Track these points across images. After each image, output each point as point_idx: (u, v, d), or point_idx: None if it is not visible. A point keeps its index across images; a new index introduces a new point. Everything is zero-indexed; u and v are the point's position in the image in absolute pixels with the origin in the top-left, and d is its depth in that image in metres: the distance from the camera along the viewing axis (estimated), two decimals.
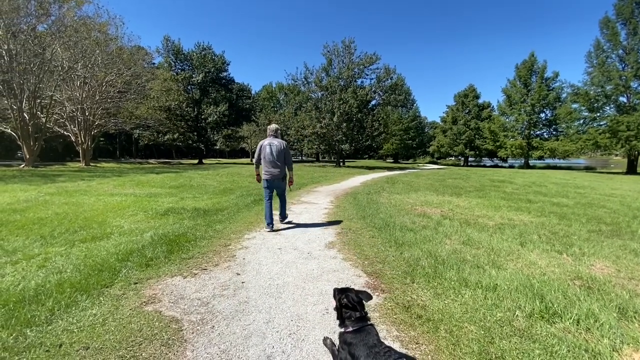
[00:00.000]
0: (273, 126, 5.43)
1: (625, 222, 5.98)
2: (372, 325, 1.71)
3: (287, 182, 5.54)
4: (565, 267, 3.45)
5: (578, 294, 2.71)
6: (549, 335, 2.11)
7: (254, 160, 5.40)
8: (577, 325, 2.24)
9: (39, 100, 20.54)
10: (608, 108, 28.54)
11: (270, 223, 5.08)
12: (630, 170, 28.37)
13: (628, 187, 13.71)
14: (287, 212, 5.87)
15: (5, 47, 17.78)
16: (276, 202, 5.53)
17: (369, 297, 1.82)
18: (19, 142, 19.77)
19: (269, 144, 5.22)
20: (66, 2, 20.05)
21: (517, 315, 2.37)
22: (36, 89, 19.53)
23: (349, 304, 1.74)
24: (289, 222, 5.70)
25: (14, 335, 2.08)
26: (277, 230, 5.12)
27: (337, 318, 1.82)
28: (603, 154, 30.16)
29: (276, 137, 5.37)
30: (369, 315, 1.78)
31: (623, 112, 26.64)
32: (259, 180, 5.40)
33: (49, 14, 19.45)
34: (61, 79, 21.36)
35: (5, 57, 17.90)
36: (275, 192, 5.45)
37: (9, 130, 20.80)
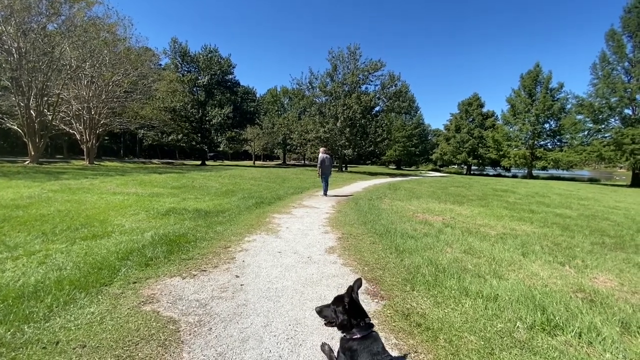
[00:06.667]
0: (323, 149, 10.50)
1: (629, 235, 5.93)
2: (376, 332, 1.67)
3: (330, 173, 10.47)
4: (567, 279, 3.41)
5: (580, 306, 2.68)
6: (550, 348, 2.08)
7: (317, 165, 10.48)
8: (579, 338, 2.21)
9: (46, 98, 20.76)
10: (613, 120, 28.46)
11: (325, 193, 10.30)
12: (635, 183, 28.12)
13: (632, 199, 13.59)
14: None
15: (16, 45, 18.03)
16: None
17: (360, 282, 1.75)
18: (25, 139, 19.94)
19: (326, 157, 10.28)
20: (76, 3, 20.32)
21: (518, 326, 2.35)
22: (44, 87, 19.75)
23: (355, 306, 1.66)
24: (328, 195, 10.28)
25: (11, 330, 2.08)
26: (328, 196, 10.12)
27: (342, 325, 1.71)
28: (607, 166, 29.97)
29: (327, 153, 10.45)
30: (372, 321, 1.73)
31: (628, 125, 26.51)
32: (319, 175, 10.39)
33: (59, 14, 19.75)
34: (69, 78, 21.59)
35: (15, 55, 18.15)
36: (326, 179, 10.31)
37: (16, 127, 21.02)
